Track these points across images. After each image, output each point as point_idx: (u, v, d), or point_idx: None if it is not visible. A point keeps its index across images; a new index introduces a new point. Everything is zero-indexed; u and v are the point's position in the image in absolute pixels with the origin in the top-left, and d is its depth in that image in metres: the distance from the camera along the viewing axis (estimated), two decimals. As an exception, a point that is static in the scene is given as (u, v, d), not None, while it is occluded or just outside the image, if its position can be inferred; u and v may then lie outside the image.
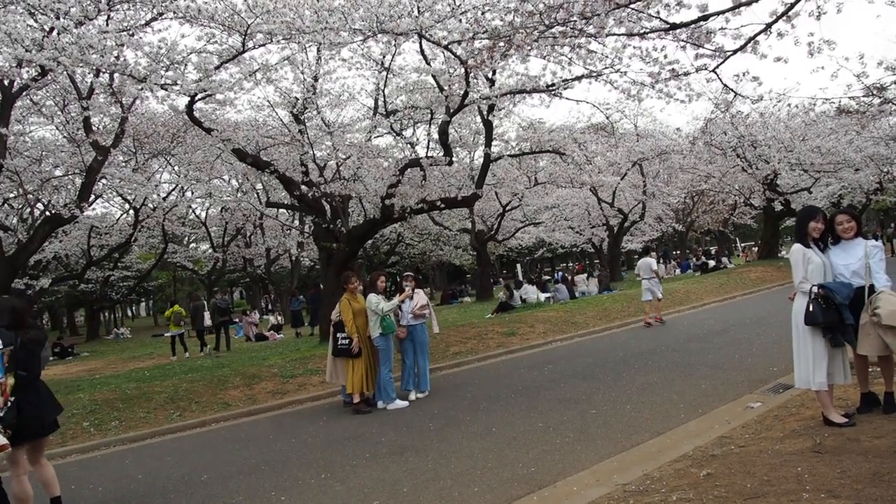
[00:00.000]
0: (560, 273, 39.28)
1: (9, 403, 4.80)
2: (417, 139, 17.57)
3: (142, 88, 9.74)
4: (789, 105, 18.36)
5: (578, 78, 11.14)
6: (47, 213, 20.56)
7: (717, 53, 7.32)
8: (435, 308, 26.05)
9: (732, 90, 8.46)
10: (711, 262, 29.63)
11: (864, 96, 12.36)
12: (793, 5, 6.55)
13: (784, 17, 6.70)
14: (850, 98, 12.95)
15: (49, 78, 12.44)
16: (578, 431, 6.43)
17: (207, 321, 19.52)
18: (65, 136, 17.28)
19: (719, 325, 13.15)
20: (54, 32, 9.10)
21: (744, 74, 8.02)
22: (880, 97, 12.33)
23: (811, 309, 5.07)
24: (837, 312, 5.02)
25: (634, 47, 8.07)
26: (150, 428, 9.03)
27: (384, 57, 13.62)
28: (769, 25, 6.82)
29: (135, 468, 7.20)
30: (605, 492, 4.63)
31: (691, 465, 4.80)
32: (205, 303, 20.47)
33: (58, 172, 19.10)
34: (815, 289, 5.10)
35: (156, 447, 8.26)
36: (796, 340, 5.35)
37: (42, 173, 17.80)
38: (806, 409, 5.83)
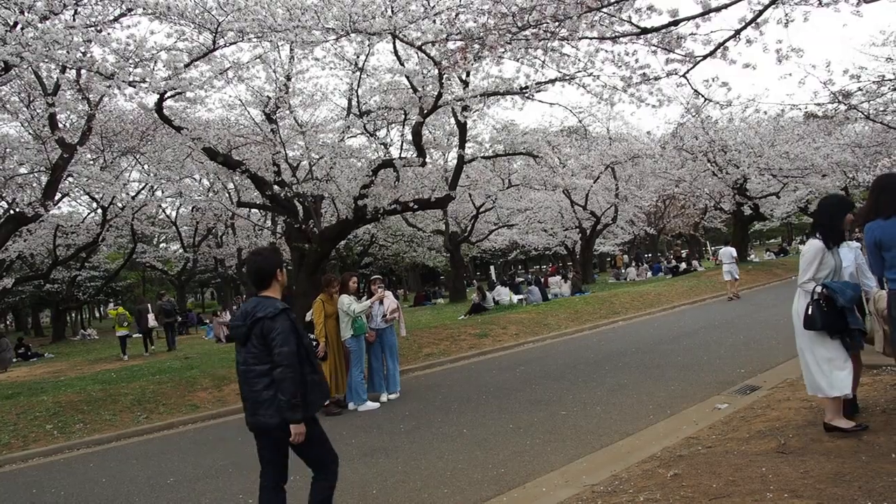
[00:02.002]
0: (531, 275, 39.44)
1: None
2: (391, 140, 17.50)
3: (110, 86, 9.57)
4: (758, 111, 18.68)
5: (552, 81, 11.19)
6: (11, 211, 20.12)
7: (688, 59, 7.39)
8: (408, 309, 26.07)
9: (703, 95, 8.56)
10: (682, 265, 29.99)
11: (829, 103, 12.59)
12: (761, 12, 6.64)
13: (753, 24, 6.79)
14: (816, 105, 13.19)
15: (13, 73, 12.17)
16: (549, 433, 6.45)
17: (152, 322, 20.33)
18: (30, 133, 16.93)
19: (689, 327, 13.30)
20: (18, 27, 8.89)
21: (713, 80, 8.13)
22: (846, 104, 12.57)
23: (810, 312, 4.77)
24: (841, 316, 4.70)
25: (607, 51, 8.12)
26: (115, 431, 8.87)
27: (358, 57, 13.55)
28: (738, 32, 6.91)
29: (99, 472, 7.06)
30: (574, 492, 4.65)
31: (659, 466, 4.83)
32: (148, 305, 21.27)
33: (22, 170, 18.69)
34: (818, 289, 4.77)
35: (121, 450, 8.12)
36: (804, 344, 5.00)
37: (6, 171, 17.40)
38: (771, 410, 5.91)
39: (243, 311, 4.09)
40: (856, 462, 4.24)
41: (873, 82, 13.64)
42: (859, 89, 13.30)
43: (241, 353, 4.11)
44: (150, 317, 20.43)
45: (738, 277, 18.84)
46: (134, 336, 20.52)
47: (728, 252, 19.33)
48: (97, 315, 65.14)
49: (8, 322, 52.44)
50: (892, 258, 4.52)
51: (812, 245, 4.91)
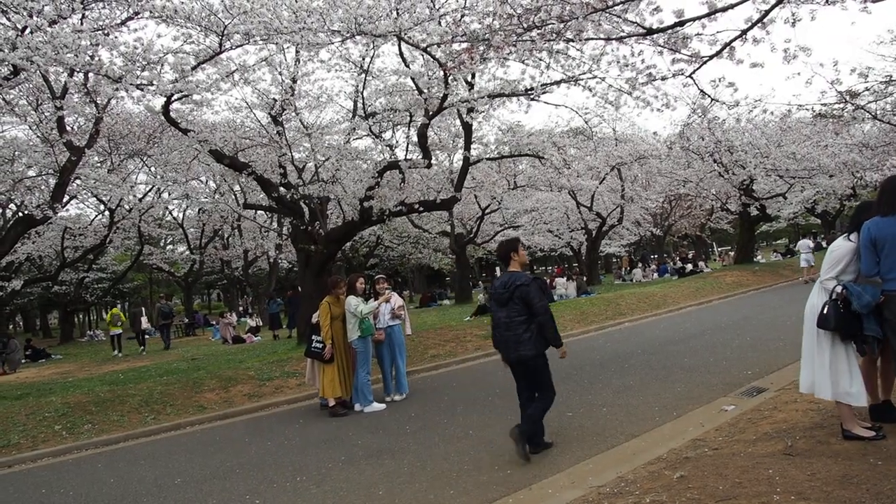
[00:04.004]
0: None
1: None
2: (396, 142, 17.54)
3: (117, 88, 9.62)
4: (765, 111, 18.64)
5: (557, 83, 11.20)
6: (20, 213, 20.26)
7: (694, 59, 7.38)
8: (414, 311, 26.09)
9: (709, 96, 8.54)
10: (689, 267, 29.88)
11: (837, 103, 12.55)
12: (768, 12, 6.63)
13: (759, 24, 6.78)
14: (822, 105, 13.17)
15: (22, 77, 12.24)
16: (555, 434, 6.44)
17: (145, 324, 22.77)
18: (38, 136, 17.05)
19: (695, 329, 13.26)
20: (27, 31, 8.95)
21: (720, 80, 8.11)
22: (853, 104, 12.53)
23: (826, 311, 4.71)
24: (857, 319, 4.63)
25: (612, 52, 8.13)
26: (123, 431, 8.91)
27: (363, 59, 13.59)
28: (745, 32, 6.89)
29: (107, 472, 7.09)
30: (580, 494, 4.64)
31: (665, 468, 4.82)
32: (142, 308, 24.47)
33: (31, 173, 18.80)
34: (837, 289, 4.73)
35: (129, 451, 8.15)
36: (814, 342, 4.92)
37: (15, 173, 17.51)
38: (778, 412, 5.89)
39: (502, 282, 5.89)
40: (864, 464, 4.22)
41: (881, 82, 13.61)
42: (866, 89, 13.27)
43: (502, 311, 5.88)
44: (144, 319, 22.56)
45: (813, 264, 21.54)
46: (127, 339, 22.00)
47: (805, 243, 23.15)
48: (104, 316, 65.42)
49: (17, 323, 52.67)
50: (884, 257, 4.51)
51: (843, 245, 4.83)
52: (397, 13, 9.06)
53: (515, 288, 5.74)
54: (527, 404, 6.00)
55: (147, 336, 23.52)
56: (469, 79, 12.82)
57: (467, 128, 15.17)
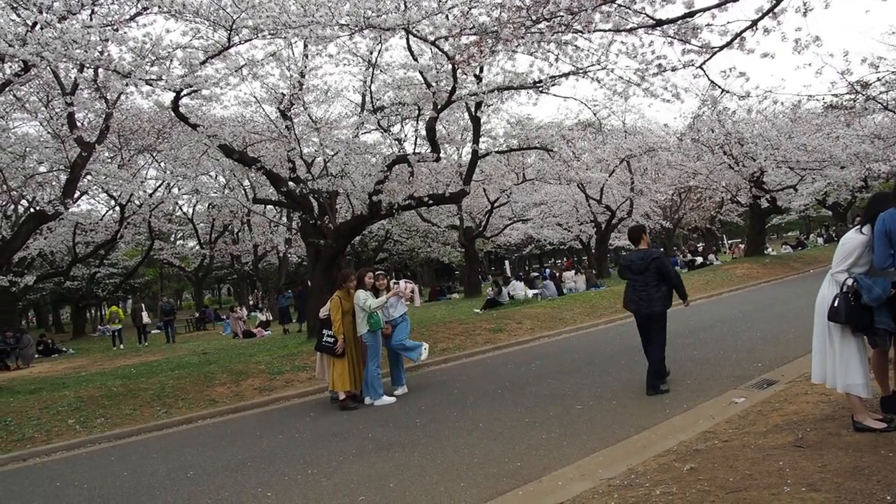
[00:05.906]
0: (548, 270, 39.35)
1: None
2: (405, 135, 17.55)
3: (126, 84, 9.67)
4: (775, 102, 18.49)
5: (565, 75, 11.16)
6: (31, 209, 20.38)
7: (704, 49, 7.34)
8: (423, 305, 26.17)
9: (719, 86, 8.49)
10: (699, 259, 29.75)
11: (848, 93, 12.45)
12: (779, 2, 6.58)
13: (770, 14, 6.72)
14: (833, 95, 13.06)
15: (32, 73, 12.30)
16: (564, 427, 6.45)
17: (146, 319, 24.23)
18: (49, 132, 17.14)
19: (705, 322, 13.21)
20: (37, 27, 9.00)
21: (730, 70, 8.06)
22: (864, 94, 12.42)
23: (836, 304, 4.66)
24: (868, 312, 4.56)
25: (622, 42, 8.10)
26: (136, 425, 8.98)
27: (371, 53, 13.58)
28: (755, 22, 6.84)
29: (120, 465, 7.15)
30: (590, 486, 4.65)
31: (675, 460, 4.82)
32: (142, 304, 26.06)
33: (42, 169, 18.96)
34: (849, 282, 4.67)
35: (142, 444, 8.22)
36: (825, 333, 4.87)
37: (26, 169, 17.65)
38: (789, 404, 5.87)
39: (640, 256, 7.43)
40: (875, 456, 4.20)
41: (892, 72, 13.48)
42: (878, 79, 13.15)
43: (638, 277, 7.39)
44: (145, 314, 24.10)
45: None
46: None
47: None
48: (105, 313, 65.83)
49: (29, 319, 53.13)
50: None
51: (855, 238, 4.77)
52: (405, 6, 9.05)
53: (652, 260, 7.26)
54: (649, 350, 7.56)
55: (155, 331, 24.18)
56: (477, 72, 12.79)
57: (476, 121, 15.15)
